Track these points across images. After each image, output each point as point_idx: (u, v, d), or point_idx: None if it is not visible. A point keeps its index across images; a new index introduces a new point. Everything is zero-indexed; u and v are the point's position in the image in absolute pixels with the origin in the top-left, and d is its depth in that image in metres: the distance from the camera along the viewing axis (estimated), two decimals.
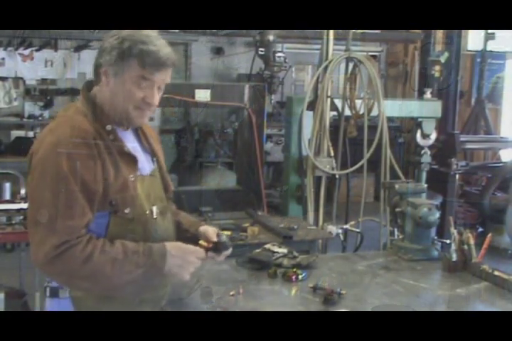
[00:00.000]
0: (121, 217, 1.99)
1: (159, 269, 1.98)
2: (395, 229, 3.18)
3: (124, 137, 2.08)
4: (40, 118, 8.28)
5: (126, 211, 2.00)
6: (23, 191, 4.55)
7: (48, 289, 2.06)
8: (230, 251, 2.20)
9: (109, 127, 2.02)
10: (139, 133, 2.19)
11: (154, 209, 2.10)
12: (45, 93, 8.36)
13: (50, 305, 2.08)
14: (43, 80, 8.38)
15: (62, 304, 2.04)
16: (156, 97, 2.03)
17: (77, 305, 2.02)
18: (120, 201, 1.98)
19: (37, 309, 3.96)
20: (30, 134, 8.05)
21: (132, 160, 2.05)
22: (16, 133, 8.06)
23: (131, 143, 2.11)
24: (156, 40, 2.00)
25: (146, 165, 2.15)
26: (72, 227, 1.88)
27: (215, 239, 2.16)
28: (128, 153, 2.04)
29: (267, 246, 2.84)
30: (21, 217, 4.04)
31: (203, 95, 4.76)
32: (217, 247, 2.15)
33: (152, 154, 2.21)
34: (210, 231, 2.21)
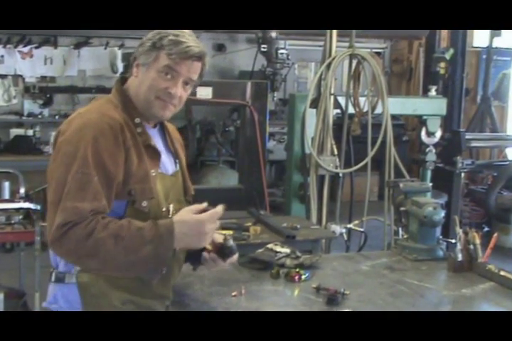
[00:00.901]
0: (138, 210, 2.00)
1: (169, 245, 1.94)
2: (400, 229, 3.18)
3: (151, 134, 2.11)
4: (39, 116, 8.27)
5: (144, 204, 2.01)
6: (22, 190, 4.56)
7: (53, 274, 2.06)
8: (236, 257, 2.17)
9: (137, 120, 2.06)
10: (165, 134, 2.22)
11: (171, 208, 2.11)
12: (45, 91, 8.36)
13: (54, 290, 2.06)
14: (43, 78, 8.38)
15: (67, 290, 2.03)
16: (180, 89, 2.06)
17: (82, 291, 2.01)
18: (139, 192, 2.00)
19: (36, 309, 3.96)
20: (30, 132, 8.06)
21: (156, 155, 2.08)
22: (15, 132, 8.06)
23: (157, 141, 2.15)
24: (189, 36, 2.07)
25: (168, 165, 2.17)
26: (79, 209, 1.89)
27: (220, 242, 2.13)
28: (153, 147, 2.07)
29: (270, 245, 2.84)
30: (21, 217, 4.05)
31: (204, 93, 4.77)
32: (222, 251, 2.12)
33: (175, 156, 2.22)
34: (216, 233, 2.20)
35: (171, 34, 2.04)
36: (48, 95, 8.37)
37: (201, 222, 1.97)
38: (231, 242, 2.13)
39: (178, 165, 2.23)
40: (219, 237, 2.15)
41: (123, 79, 2.15)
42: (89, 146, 1.92)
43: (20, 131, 8.08)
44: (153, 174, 2.05)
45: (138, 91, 2.07)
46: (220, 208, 2.02)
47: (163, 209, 2.08)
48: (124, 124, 2.00)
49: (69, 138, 1.96)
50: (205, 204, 2.05)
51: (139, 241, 1.91)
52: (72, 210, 1.88)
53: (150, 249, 1.91)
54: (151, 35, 2.07)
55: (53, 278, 2.06)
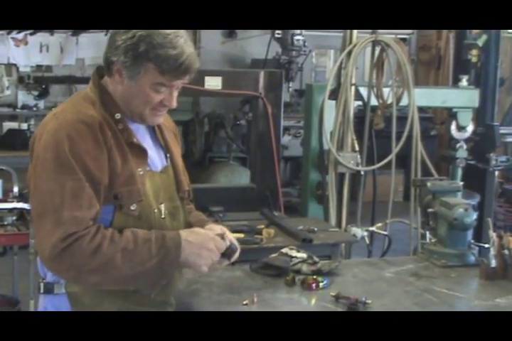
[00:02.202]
0: (127, 214, 2.02)
1: (174, 258, 2.00)
2: (427, 232, 3.15)
3: (135, 129, 2.10)
4: (34, 108, 8.33)
5: (132, 207, 2.02)
6: (16, 189, 4.58)
7: (41, 285, 2.09)
8: (237, 252, 2.21)
9: (118, 115, 2.06)
10: (154, 128, 2.22)
11: (162, 207, 2.11)
12: (41, 81, 8.40)
13: (44, 303, 2.10)
14: (38, 67, 8.43)
15: (57, 301, 2.07)
16: (175, 100, 2.09)
17: (73, 302, 2.05)
18: (126, 195, 2.01)
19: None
20: (24, 126, 8.11)
21: (141, 152, 2.08)
22: (8, 125, 8.12)
23: (142, 136, 2.14)
24: (176, 41, 1.99)
25: (157, 161, 2.17)
26: (79, 218, 1.91)
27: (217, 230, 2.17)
28: (137, 144, 2.07)
29: (284, 250, 2.84)
30: (14, 218, 4.06)
31: (213, 83, 4.76)
32: (223, 253, 2.15)
33: (166, 150, 2.22)
34: (214, 229, 2.22)
35: (156, 44, 1.97)
36: (44, 86, 8.42)
37: (209, 237, 2.08)
38: (228, 242, 2.16)
39: (168, 160, 2.23)
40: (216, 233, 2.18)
41: (100, 72, 2.12)
42: (69, 150, 1.92)
43: (13, 125, 8.14)
44: (141, 173, 2.05)
45: (126, 101, 2.06)
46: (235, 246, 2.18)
47: (155, 211, 2.10)
48: (103, 122, 2.00)
49: (46, 143, 1.96)
50: (223, 231, 2.17)
51: (145, 254, 1.95)
52: (71, 221, 1.89)
53: (155, 261, 1.95)
54: (128, 38, 1.98)
55: (42, 289, 2.09)
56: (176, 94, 2.09)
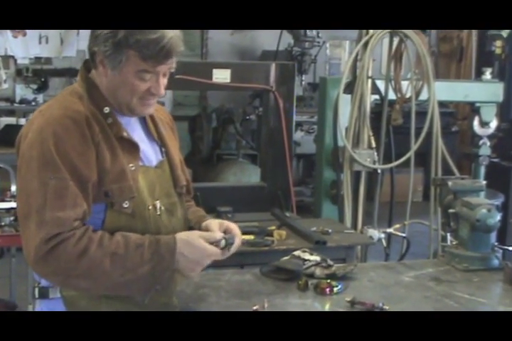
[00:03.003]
0: (119, 212, 2.03)
1: (168, 265, 2.01)
2: (448, 234, 3.15)
3: (125, 123, 2.11)
4: (33, 103, 8.36)
5: (125, 205, 2.03)
6: (13, 187, 4.59)
7: (36, 290, 2.11)
8: (236, 244, 2.20)
9: (106, 109, 2.07)
10: (147, 121, 2.21)
11: (158, 204, 2.12)
12: (40, 74, 8.43)
13: (40, 308, 2.13)
14: (37, 59, 8.45)
15: (53, 305, 2.09)
16: (162, 87, 2.08)
17: (69, 306, 2.07)
18: (117, 192, 2.02)
19: None
20: (22, 121, 8.13)
21: (133, 147, 2.09)
22: (5, 121, 8.14)
23: (134, 130, 2.14)
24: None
25: (151, 155, 2.18)
26: (62, 219, 1.92)
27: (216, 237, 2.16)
28: (127, 139, 2.08)
29: (297, 252, 2.84)
30: (11, 218, 4.07)
31: (221, 76, 4.76)
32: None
33: (162, 144, 2.22)
34: (212, 226, 2.23)
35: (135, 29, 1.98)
36: (43, 79, 8.44)
37: (207, 254, 2.07)
38: (223, 243, 2.15)
39: (164, 154, 2.23)
40: (215, 229, 2.18)
41: (88, 65, 2.14)
42: (55, 147, 1.94)
43: (11, 120, 8.16)
44: (133, 168, 2.07)
45: (113, 93, 2.07)
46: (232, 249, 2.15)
47: (150, 208, 2.10)
48: (90, 117, 2.01)
49: (31, 141, 1.98)
50: (220, 235, 2.13)
51: (137, 260, 1.96)
52: (54, 222, 1.91)
53: (148, 268, 1.96)
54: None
55: (37, 294, 2.10)
56: (163, 81, 2.08)
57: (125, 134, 2.07)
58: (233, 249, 2.19)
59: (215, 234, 2.14)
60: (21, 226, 1.98)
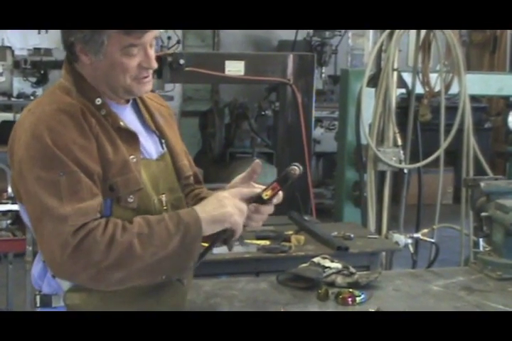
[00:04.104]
0: (125, 207, 2.04)
1: (197, 234, 2.00)
2: (480, 240, 3.14)
3: (120, 113, 2.12)
4: (32, 97, 8.37)
5: (130, 199, 2.04)
6: (10, 189, 4.61)
7: (37, 298, 2.11)
8: (280, 195, 2.16)
9: (98, 100, 2.07)
10: (142, 111, 2.22)
11: (163, 198, 2.14)
12: (39, 66, 8.45)
13: None
14: (36, 50, 8.48)
15: None
16: (153, 59, 2.08)
17: None
18: (122, 184, 2.02)
19: None
20: None
21: (131, 137, 2.10)
22: (2, 117, 8.17)
23: (130, 121, 2.16)
24: None
25: (151, 148, 2.19)
26: (84, 209, 1.92)
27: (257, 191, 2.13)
28: (125, 128, 2.09)
29: (316, 259, 2.84)
30: (9, 221, 4.09)
31: (235, 68, 4.77)
32: (259, 199, 2.11)
33: (161, 135, 2.24)
34: (245, 190, 2.19)
35: None
36: (43, 71, 8.47)
37: (232, 194, 2.08)
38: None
39: (164, 146, 2.24)
40: (247, 191, 2.15)
41: (69, 58, 2.13)
42: (53, 143, 1.93)
43: (8, 116, 8.18)
44: (134, 160, 2.07)
45: (104, 80, 2.07)
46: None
47: (155, 201, 2.12)
48: (84, 109, 2.02)
49: (26, 142, 1.96)
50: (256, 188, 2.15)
51: (164, 234, 1.96)
52: (77, 213, 1.91)
53: (177, 240, 1.96)
54: None
55: (38, 303, 2.10)
56: (152, 52, 2.08)
57: (122, 124, 2.08)
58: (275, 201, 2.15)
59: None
60: (37, 231, 1.96)
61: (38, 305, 2.11)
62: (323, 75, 8.70)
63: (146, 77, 2.09)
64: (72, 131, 1.96)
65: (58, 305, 2.07)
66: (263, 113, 8.27)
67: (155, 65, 2.08)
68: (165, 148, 2.24)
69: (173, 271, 2.04)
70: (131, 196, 2.04)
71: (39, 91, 8.45)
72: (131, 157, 2.07)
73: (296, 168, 2.10)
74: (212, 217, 2.02)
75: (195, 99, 9.50)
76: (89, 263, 1.91)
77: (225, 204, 2.04)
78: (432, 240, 4.62)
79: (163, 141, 2.25)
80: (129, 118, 2.16)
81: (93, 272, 1.93)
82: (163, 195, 2.15)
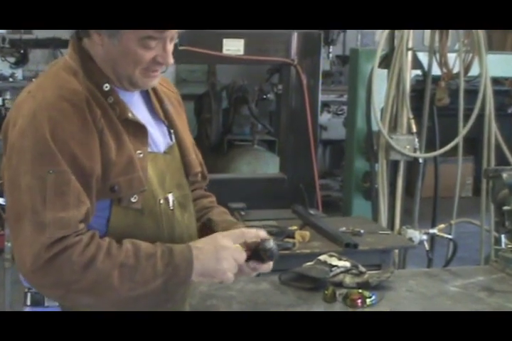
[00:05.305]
0: (127, 208, 2.03)
1: (184, 278, 2.00)
2: (502, 236, 3.15)
3: (128, 101, 2.10)
4: (10, 79, 8.37)
5: (133, 199, 2.03)
6: None
7: (28, 295, 2.09)
8: (271, 263, 2.19)
9: (106, 86, 2.05)
10: (151, 97, 2.21)
11: (170, 197, 2.13)
12: (18, 45, 8.44)
13: None
14: None
15: None
16: (170, 54, 2.05)
17: None
18: (125, 185, 2.01)
19: None
20: None
21: (140, 130, 2.08)
22: None
23: (138, 109, 2.13)
24: None
25: (159, 139, 2.17)
26: (66, 220, 1.91)
27: (255, 241, 2.14)
28: (133, 120, 2.07)
29: (322, 257, 2.85)
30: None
31: (233, 47, 4.77)
32: (257, 254, 2.13)
33: (170, 125, 2.22)
34: (250, 233, 2.20)
35: None
36: (22, 51, 8.45)
37: (229, 251, 2.05)
38: (271, 244, 2.14)
39: (173, 137, 2.23)
40: (253, 237, 2.15)
41: (78, 33, 2.11)
42: (50, 135, 1.92)
43: None
44: (141, 156, 2.05)
45: (112, 64, 2.05)
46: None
47: (161, 202, 2.11)
48: (90, 97, 2.00)
49: (22, 129, 1.95)
50: (262, 234, 2.14)
51: (150, 272, 1.95)
52: (56, 223, 1.89)
53: (160, 282, 1.96)
54: None
55: (29, 301, 2.10)
56: (171, 47, 2.06)
57: (130, 115, 2.06)
58: (266, 267, 2.16)
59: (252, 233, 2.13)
60: (12, 229, 1.96)
61: (29, 303, 2.10)
62: (330, 55, 8.69)
63: (155, 71, 2.07)
64: (73, 123, 1.94)
65: (51, 304, 2.06)
66: (264, 97, 8.26)
67: (171, 61, 2.05)
68: (174, 140, 2.23)
69: (149, 308, 2.02)
70: (135, 196, 2.02)
71: (18, 72, 8.44)
72: (138, 152, 2.05)
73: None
74: (204, 270, 2.02)
75: (189, 81, 9.47)
76: (58, 282, 1.91)
77: (222, 259, 2.03)
78: (450, 236, 4.62)
79: (172, 131, 2.23)
80: (137, 106, 2.14)
81: (61, 292, 1.93)
82: (170, 194, 2.14)
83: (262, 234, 2.18)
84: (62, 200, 1.91)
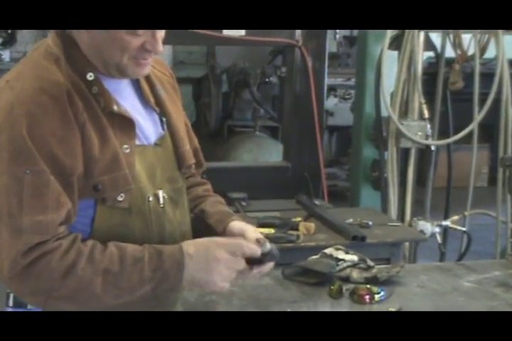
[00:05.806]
0: (112, 208, 2.00)
1: (174, 284, 1.98)
2: None
3: (115, 89, 2.07)
4: None
5: (120, 198, 2.00)
6: None
7: (11, 296, 2.08)
8: (271, 265, 2.19)
9: (91, 76, 2.02)
10: (140, 82, 2.19)
11: (160, 193, 2.12)
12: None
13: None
14: None
15: None
16: (160, 41, 2.03)
17: None
18: (109, 184, 1.98)
19: None
20: None
21: (126, 123, 2.05)
22: None
23: (126, 98, 2.11)
24: None
25: (149, 130, 2.14)
26: (44, 224, 1.89)
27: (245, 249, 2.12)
28: (119, 113, 2.04)
29: (328, 250, 2.85)
30: None
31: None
32: (260, 259, 2.12)
33: (162, 113, 2.20)
34: (248, 232, 2.20)
35: None
36: (10, 31, 8.45)
37: (227, 265, 2.03)
38: (268, 246, 2.12)
39: (165, 126, 2.20)
40: (251, 250, 2.12)
41: None
42: (27, 132, 1.89)
43: None
44: (127, 151, 2.02)
45: (97, 52, 2.02)
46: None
47: (150, 199, 2.08)
48: (72, 89, 1.96)
49: None
50: (266, 245, 2.11)
51: (136, 278, 1.93)
52: (34, 228, 1.88)
53: (148, 289, 1.94)
54: None
55: (11, 302, 2.10)
56: (161, 34, 2.02)
57: (115, 108, 2.02)
58: (265, 268, 2.17)
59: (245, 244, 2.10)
60: None
61: (11, 304, 2.09)
62: (337, 36, 8.68)
63: (145, 59, 2.04)
64: (53, 118, 1.91)
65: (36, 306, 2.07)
66: (267, 80, 8.24)
67: (161, 48, 2.01)
68: (165, 130, 2.19)
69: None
70: (121, 194, 2.00)
71: (6, 53, 8.44)
72: (125, 147, 2.01)
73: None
74: (193, 279, 2.00)
75: (187, 63, 9.47)
76: (38, 289, 1.90)
77: (212, 270, 2.01)
78: (463, 229, 4.63)
79: (164, 119, 2.21)
80: (124, 93, 2.10)
81: (41, 299, 1.92)
82: (161, 190, 2.12)
83: (258, 235, 2.17)
84: (40, 203, 1.88)
